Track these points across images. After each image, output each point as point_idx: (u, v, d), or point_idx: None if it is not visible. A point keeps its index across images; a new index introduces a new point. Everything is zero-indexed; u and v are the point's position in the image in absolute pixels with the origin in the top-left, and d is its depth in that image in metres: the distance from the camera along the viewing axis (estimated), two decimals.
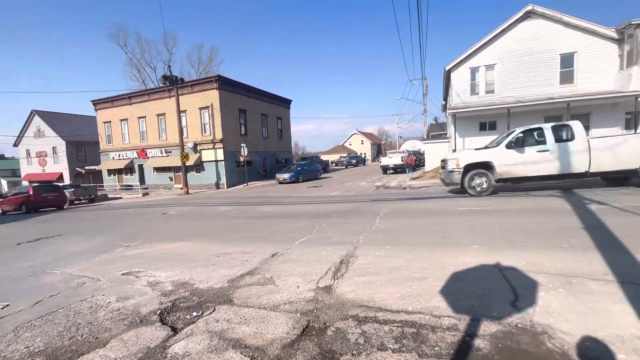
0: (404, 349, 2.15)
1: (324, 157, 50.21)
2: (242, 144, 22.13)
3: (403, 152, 24.23)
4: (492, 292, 2.89)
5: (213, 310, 2.98)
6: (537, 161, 8.31)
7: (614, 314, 2.39)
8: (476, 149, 9.78)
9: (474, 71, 18.41)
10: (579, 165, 8.09)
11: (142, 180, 26.55)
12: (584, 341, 2.10)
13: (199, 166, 23.59)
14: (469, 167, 8.78)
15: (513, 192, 9.27)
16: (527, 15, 16.91)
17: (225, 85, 23.16)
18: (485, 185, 8.62)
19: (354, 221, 6.77)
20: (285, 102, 31.88)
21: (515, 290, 2.88)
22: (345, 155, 57.81)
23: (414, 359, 2.03)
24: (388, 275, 3.50)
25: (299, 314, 2.77)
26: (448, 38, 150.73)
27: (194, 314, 2.95)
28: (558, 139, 8.26)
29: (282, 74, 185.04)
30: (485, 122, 18.00)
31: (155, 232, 7.68)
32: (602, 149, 8.02)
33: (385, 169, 22.41)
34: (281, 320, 2.67)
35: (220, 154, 22.61)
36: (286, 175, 20.79)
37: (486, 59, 17.95)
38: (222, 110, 22.51)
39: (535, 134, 8.51)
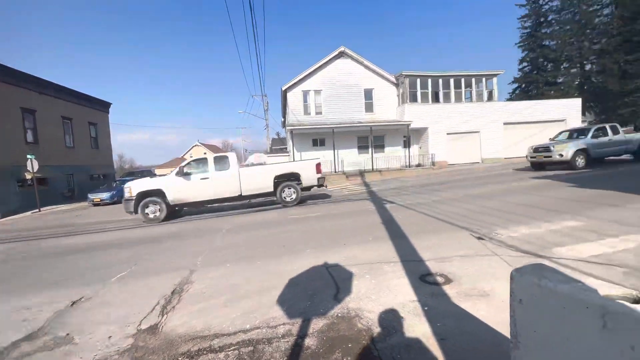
0: None
1: (159, 172, 43.79)
2: (30, 156, 16.14)
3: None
4: (320, 290, 3.25)
5: None
6: (202, 188, 9.20)
7: (399, 287, 3.18)
8: (151, 177, 10.62)
9: (305, 94, 21.04)
10: (234, 189, 9.36)
11: None
12: (382, 314, 2.68)
13: None
14: (142, 195, 8.99)
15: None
16: (341, 54, 21.00)
17: None
18: (158, 213, 8.98)
19: (192, 242, 6.16)
20: (102, 105, 25.77)
21: (338, 284, 3.37)
22: None
23: None
24: (227, 296, 3.33)
25: None
26: (287, 59, 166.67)
27: None
28: (218, 169, 9.32)
29: (103, 70, 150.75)
30: (317, 139, 20.84)
31: None
32: (248, 176, 9.51)
33: None
34: None
35: None
36: (105, 195, 16.73)
37: (315, 84, 20.93)
38: None
39: (201, 163, 9.42)
